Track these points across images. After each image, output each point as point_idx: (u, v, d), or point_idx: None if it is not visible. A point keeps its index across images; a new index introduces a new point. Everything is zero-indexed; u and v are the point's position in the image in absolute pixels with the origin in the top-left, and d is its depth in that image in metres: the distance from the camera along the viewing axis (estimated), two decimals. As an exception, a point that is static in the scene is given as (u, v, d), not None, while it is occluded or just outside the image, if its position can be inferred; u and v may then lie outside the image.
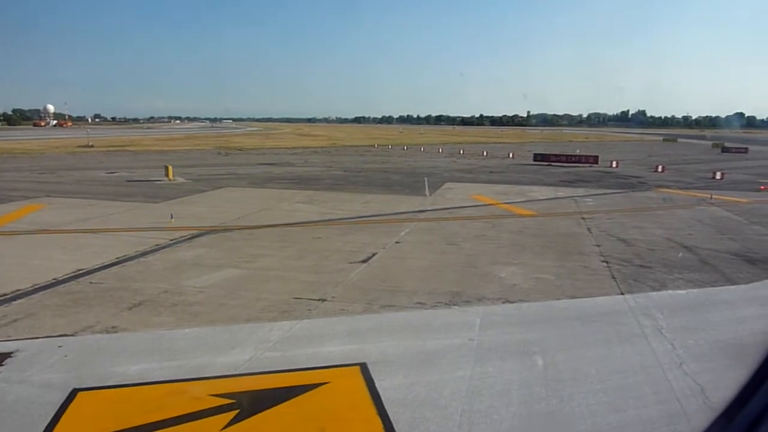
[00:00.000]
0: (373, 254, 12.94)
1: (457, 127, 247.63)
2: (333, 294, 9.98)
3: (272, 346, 7.74)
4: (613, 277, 11.10)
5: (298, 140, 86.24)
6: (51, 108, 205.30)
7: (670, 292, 10.22)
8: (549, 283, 10.78)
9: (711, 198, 22.39)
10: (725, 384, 6.50)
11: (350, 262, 12.23)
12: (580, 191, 24.97)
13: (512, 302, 9.60)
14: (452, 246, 13.91)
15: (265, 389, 6.56)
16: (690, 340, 7.89)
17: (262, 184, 26.87)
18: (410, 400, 6.20)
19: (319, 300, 9.66)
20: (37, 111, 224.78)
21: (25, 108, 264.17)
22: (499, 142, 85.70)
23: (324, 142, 79.38)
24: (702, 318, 8.82)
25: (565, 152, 43.15)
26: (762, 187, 26.25)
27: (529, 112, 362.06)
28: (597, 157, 37.75)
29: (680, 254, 13.08)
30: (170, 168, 27.26)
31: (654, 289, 10.38)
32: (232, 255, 12.94)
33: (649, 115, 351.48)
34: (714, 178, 30.81)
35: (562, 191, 24.75)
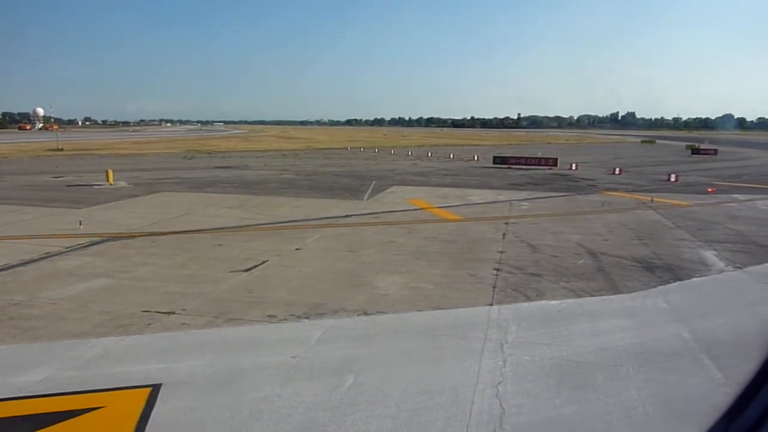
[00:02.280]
0: (263, 262, 12.46)
1: (444, 130, 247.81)
2: (187, 306, 9.47)
3: (80, 364, 7.23)
4: (494, 287, 10.64)
5: (276, 143, 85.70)
6: (40, 111, 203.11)
7: (541, 302, 9.77)
8: (423, 292, 10.31)
9: (651, 201, 22.03)
10: (531, 408, 6.07)
11: (232, 271, 11.74)
12: (523, 194, 24.57)
13: (369, 314, 9.10)
14: (351, 253, 13.43)
15: (30, 414, 6.05)
16: (527, 356, 7.42)
17: (202, 188, 26.33)
18: (179, 426, 5.74)
19: (167, 313, 9.16)
20: (27, 114, 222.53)
21: (15, 111, 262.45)
22: (478, 145, 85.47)
23: (300, 145, 78.91)
24: (556, 331, 8.36)
25: (525, 155, 42.77)
26: (709, 190, 25.92)
27: (519, 114, 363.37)
28: (556, 159, 37.39)
29: (581, 261, 12.65)
30: (110, 172, 26.70)
31: (528, 299, 9.94)
32: (115, 263, 12.42)
33: (639, 116, 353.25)
34: (669, 180, 30.49)
35: (505, 194, 24.34)
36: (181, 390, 6.47)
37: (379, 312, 9.24)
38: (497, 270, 11.87)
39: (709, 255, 13.39)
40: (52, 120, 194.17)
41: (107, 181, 26.43)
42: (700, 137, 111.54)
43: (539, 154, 42.73)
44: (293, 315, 9.07)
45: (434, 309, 9.41)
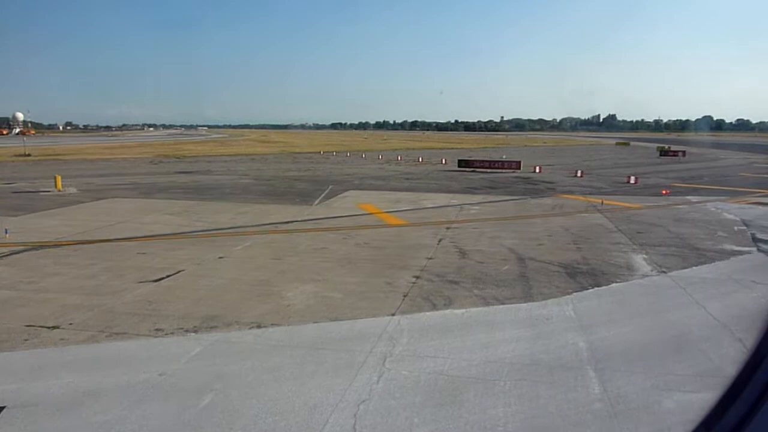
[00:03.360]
0: (178, 272, 12.04)
1: (426, 133, 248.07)
2: (76, 320, 9.04)
3: (-71, 387, 6.74)
4: (405, 295, 10.34)
5: (251, 147, 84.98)
6: (20, 116, 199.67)
7: (446, 311, 9.48)
8: (330, 302, 9.97)
9: (602, 204, 21.89)
10: (385, 428, 5.76)
11: (141, 282, 11.31)
12: (477, 198, 24.36)
13: (262, 327, 8.73)
14: (275, 261, 13.06)
15: None
16: (405, 371, 7.11)
17: (153, 193, 25.80)
18: (-1, 456, 5.26)
19: (51, 328, 8.73)
20: (8, 119, 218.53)
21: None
22: (454, 148, 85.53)
23: (274, 149, 78.36)
24: (448, 342, 8.06)
25: (491, 158, 42.70)
26: (663, 192, 25.91)
27: (502, 117, 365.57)
28: (519, 162, 37.32)
29: (505, 267, 12.38)
30: (59, 178, 26.06)
31: (435, 309, 9.62)
32: (24, 274, 11.94)
33: (620, 118, 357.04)
34: (628, 182, 30.49)
35: (459, 198, 24.09)
36: (24, 413, 6.07)
37: (273, 324, 8.86)
38: (417, 277, 11.56)
39: (639, 259, 13.21)
40: (29, 125, 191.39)
41: (56, 187, 25.74)
42: (677, 139, 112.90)
43: (504, 157, 42.64)
44: (182, 329, 8.68)
45: (332, 320, 9.05)
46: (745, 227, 17.33)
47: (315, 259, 13.23)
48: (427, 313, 9.39)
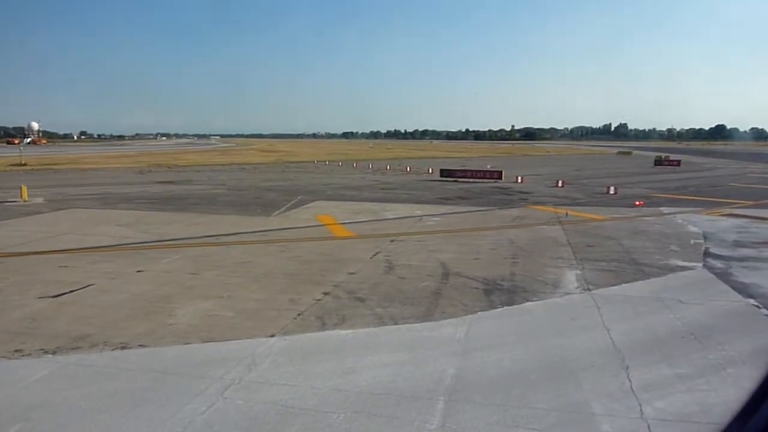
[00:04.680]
0: (86, 286, 11.72)
1: (434, 142, 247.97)
2: (-58, 340, 8.62)
3: None
4: (300, 314, 9.87)
5: (251, 156, 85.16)
6: (35, 125, 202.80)
7: (331, 332, 9.04)
8: (217, 321, 9.56)
9: (566, 216, 21.28)
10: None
11: (40, 297, 10.98)
12: (443, 209, 23.86)
13: (127, 348, 8.32)
14: (191, 276, 12.68)
15: None
16: (241, 400, 6.71)
17: (116, 204, 25.61)
18: None
19: None
20: (23, 128, 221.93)
21: (10, 126, 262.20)
22: (453, 157, 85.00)
23: (272, 158, 78.41)
24: (310, 368, 7.61)
25: (473, 167, 42.17)
26: (636, 203, 25.21)
27: (513, 126, 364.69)
28: (501, 172, 36.69)
29: (425, 283, 11.87)
30: (24, 189, 26.01)
31: (323, 329, 9.15)
32: (-73, 290, 11.60)
33: (632, 127, 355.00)
34: (607, 192, 29.81)
35: (423, 209, 23.58)
36: None
37: (140, 345, 8.44)
38: (326, 294, 11.11)
39: (571, 275, 12.65)
40: (40, 134, 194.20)
41: (21, 197, 25.67)
42: (686, 148, 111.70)
43: (489, 167, 42.09)
44: (43, 350, 8.29)
45: (204, 342, 8.60)
46: (702, 240, 16.65)
47: (233, 274, 12.83)
48: (310, 335, 8.91)
